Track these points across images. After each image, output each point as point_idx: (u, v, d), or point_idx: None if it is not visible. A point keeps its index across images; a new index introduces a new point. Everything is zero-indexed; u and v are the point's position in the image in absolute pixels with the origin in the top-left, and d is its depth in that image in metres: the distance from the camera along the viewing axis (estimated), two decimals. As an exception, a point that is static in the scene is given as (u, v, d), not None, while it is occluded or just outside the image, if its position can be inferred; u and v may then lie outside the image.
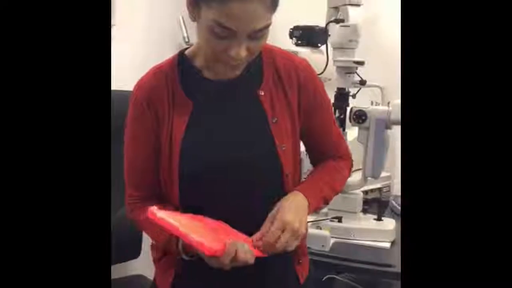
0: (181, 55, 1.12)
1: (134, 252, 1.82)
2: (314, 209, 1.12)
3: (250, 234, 1.02)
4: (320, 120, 1.17)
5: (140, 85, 1.10)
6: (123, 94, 1.70)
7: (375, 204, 1.91)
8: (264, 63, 1.11)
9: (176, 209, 1.08)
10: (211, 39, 0.97)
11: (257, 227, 1.02)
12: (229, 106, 1.09)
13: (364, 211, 1.82)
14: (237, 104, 1.09)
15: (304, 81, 1.12)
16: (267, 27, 0.98)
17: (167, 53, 1.16)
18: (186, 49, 1.13)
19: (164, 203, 1.11)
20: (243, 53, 0.97)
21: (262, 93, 1.09)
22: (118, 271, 1.83)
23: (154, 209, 0.98)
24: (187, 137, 1.06)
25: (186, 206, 1.07)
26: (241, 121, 1.08)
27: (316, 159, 1.23)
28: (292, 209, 1.03)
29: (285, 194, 1.08)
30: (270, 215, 1.03)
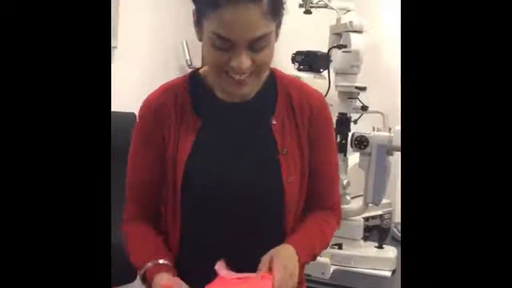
0: (194, 74, 1.11)
1: (129, 276, 1.79)
2: (303, 263, 1.05)
3: (247, 259, 0.97)
4: (322, 158, 1.11)
5: (147, 102, 1.10)
6: (126, 115, 1.71)
7: (376, 231, 1.89)
8: (278, 91, 1.09)
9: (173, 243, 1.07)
10: (213, 52, 0.96)
11: (254, 256, 0.99)
12: (239, 130, 1.07)
13: (365, 238, 1.80)
14: (247, 129, 1.07)
15: (316, 114, 1.09)
16: (267, 35, 0.95)
17: (170, 76, 1.16)
18: (199, 68, 1.12)
19: (158, 227, 1.09)
20: (245, 63, 0.95)
21: (275, 122, 1.07)
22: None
23: None
24: (192, 156, 1.04)
25: (188, 229, 1.05)
26: (250, 147, 1.06)
27: (307, 202, 1.13)
28: (283, 265, 0.97)
29: (285, 226, 1.06)
30: (261, 265, 0.97)
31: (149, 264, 1.01)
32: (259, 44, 0.95)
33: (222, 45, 0.94)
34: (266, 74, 1.08)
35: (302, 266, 1.05)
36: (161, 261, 1.02)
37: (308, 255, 1.06)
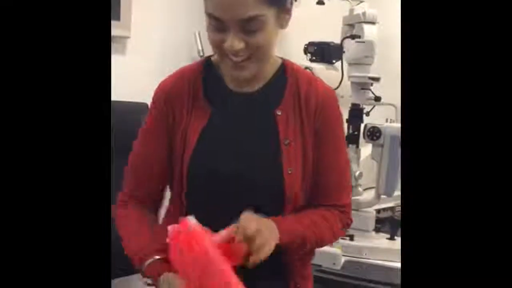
0: (207, 61, 1.12)
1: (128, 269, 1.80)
2: (287, 242, 1.01)
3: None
4: (327, 154, 1.09)
5: (161, 86, 1.12)
6: (138, 105, 1.72)
7: (387, 223, 1.89)
8: (288, 83, 1.09)
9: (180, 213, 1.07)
10: (211, 33, 1.00)
11: None
12: (245, 120, 1.08)
13: (377, 229, 1.80)
14: (253, 120, 1.08)
15: (322, 109, 1.08)
16: (259, 17, 0.96)
17: (182, 66, 1.16)
18: (212, 55, 1.13)
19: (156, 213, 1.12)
20: (237, 45, 0.97)
21: (279, 113, 1.07)
22: (128, 283, 1.82)
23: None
24: (200, 142, 1.06)
25: (192, 210, 1.04)
26: (254, 137, 1.07)
27: (311, 198, 1.10)
28: (254, 221, 0.95)
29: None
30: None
31: (147, 262, 1.01)
32: (251, 27, 0.96)
33: (216, 26, 0.98)
34: (276, 61, 1.09)
35: (285, 244, 1.00)
36: (157, 257, 1.01)
37: (292, 234, 1.02)
